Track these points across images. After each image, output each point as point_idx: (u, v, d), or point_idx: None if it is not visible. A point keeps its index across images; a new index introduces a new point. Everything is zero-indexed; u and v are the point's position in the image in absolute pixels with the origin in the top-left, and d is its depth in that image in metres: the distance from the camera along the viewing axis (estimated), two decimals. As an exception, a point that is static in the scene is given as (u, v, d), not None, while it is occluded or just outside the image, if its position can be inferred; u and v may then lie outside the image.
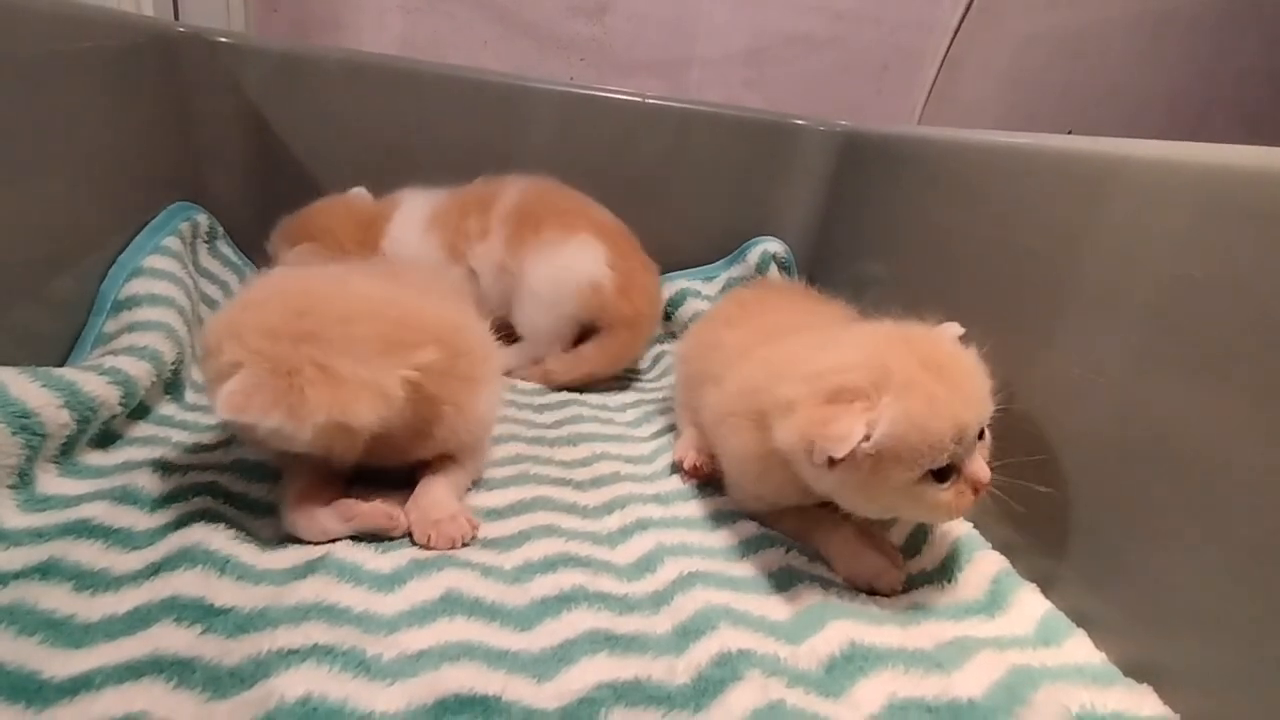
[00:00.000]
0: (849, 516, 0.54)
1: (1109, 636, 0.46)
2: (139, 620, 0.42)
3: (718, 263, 1.14)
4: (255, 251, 0.98)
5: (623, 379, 0.95)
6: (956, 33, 1.31)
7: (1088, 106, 1.10)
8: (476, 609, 0.47)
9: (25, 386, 0.52)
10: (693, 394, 0.70)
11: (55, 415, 0.53)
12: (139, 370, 0.63)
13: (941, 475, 0.48)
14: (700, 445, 0.68)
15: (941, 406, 0.47)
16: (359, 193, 0.98)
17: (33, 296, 0.65)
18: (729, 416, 0.59)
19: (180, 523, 0.51)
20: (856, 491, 0.50)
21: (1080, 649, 0.46)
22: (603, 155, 1.07)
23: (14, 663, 0.38)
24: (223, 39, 0.96)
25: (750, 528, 0.60)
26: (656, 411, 0.86)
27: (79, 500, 0.52)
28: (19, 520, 0.49)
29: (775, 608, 0.51)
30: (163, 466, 0.57)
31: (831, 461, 0.46)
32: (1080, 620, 0.48)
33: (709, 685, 0.42)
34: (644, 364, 1.02)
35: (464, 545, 0.54)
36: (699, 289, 1.10)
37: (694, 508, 0.64)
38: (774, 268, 1.08)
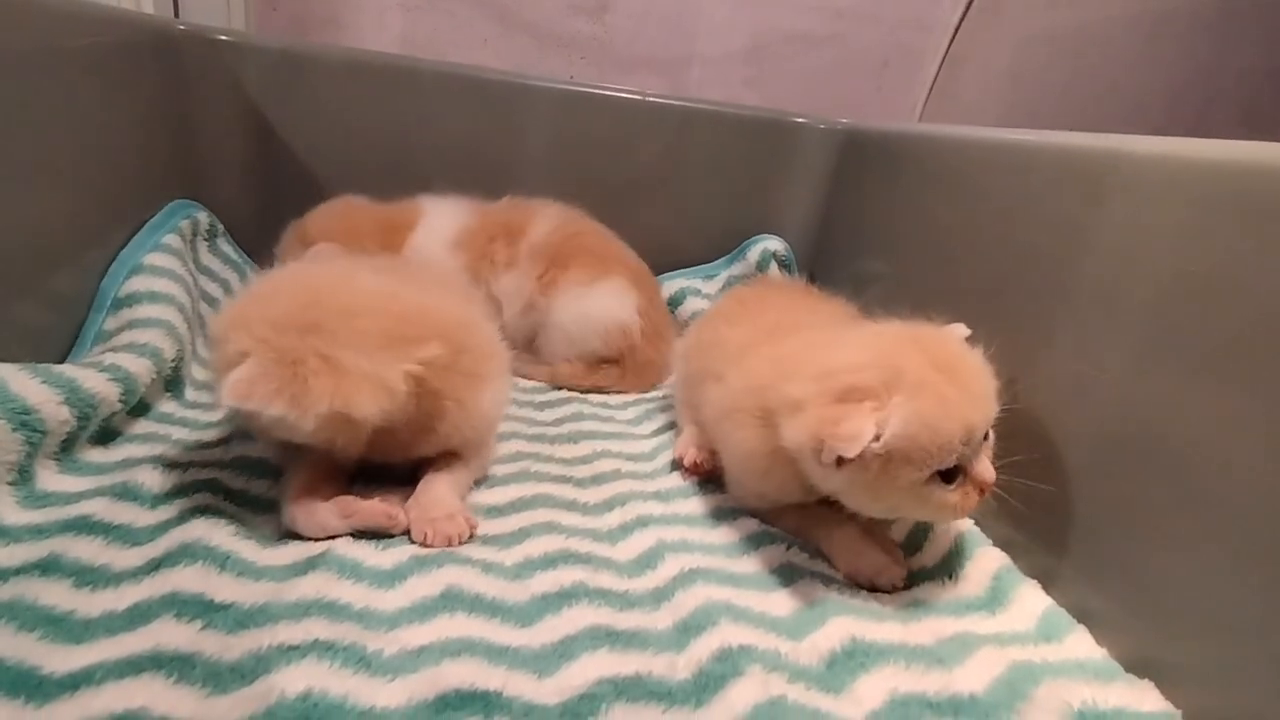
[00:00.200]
0: (851, 514, 0.54)
1: (1110, 632, 0.46)
2: (139, 616, 0.42)
3: (718, 261, 1.14)
4: (255, 249, 0.98)
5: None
6: (957, 30, 1.31)
7: (1088, 104, 1.10)
8: (477, 605, 0.47)
9: (25, 383, 0.52)
10: (693, 391, 0.70)
11: (55, 412, 0.53)
12: (139, 367, 0.63)
13: (948, 476, 0.48)
14: (700, 442, 0.68)
15: (952, 408, 0.47)
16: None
17: (33, 293, 0.65)
18: (733, 413, 0.59)
19: (180, 519, 0.51)
20: (863, 491, 0.50)
21: (1081, 645, 0.46)
22: (603, 153, 1.07)
23: (14, 658, 0.38)
24: (222, 37, 0.96)
25: (751, 524, 0.60)
26: (657, 409, 0.86)
27: (79, 497, 0.52)
28: (19, 517, 0.49)
29: (776, 604, 0.51)
30: (163, 463, 0.57)
31: (840, 461, 0.46)
32: (1081, 616, 0.48)
33: (710, 681, 0.42)
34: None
35: (461, 544, 0.54)
36: (699, 287, 1.09)
37: (694, 505, 0.64)
38: (774, 266, 1.08)
